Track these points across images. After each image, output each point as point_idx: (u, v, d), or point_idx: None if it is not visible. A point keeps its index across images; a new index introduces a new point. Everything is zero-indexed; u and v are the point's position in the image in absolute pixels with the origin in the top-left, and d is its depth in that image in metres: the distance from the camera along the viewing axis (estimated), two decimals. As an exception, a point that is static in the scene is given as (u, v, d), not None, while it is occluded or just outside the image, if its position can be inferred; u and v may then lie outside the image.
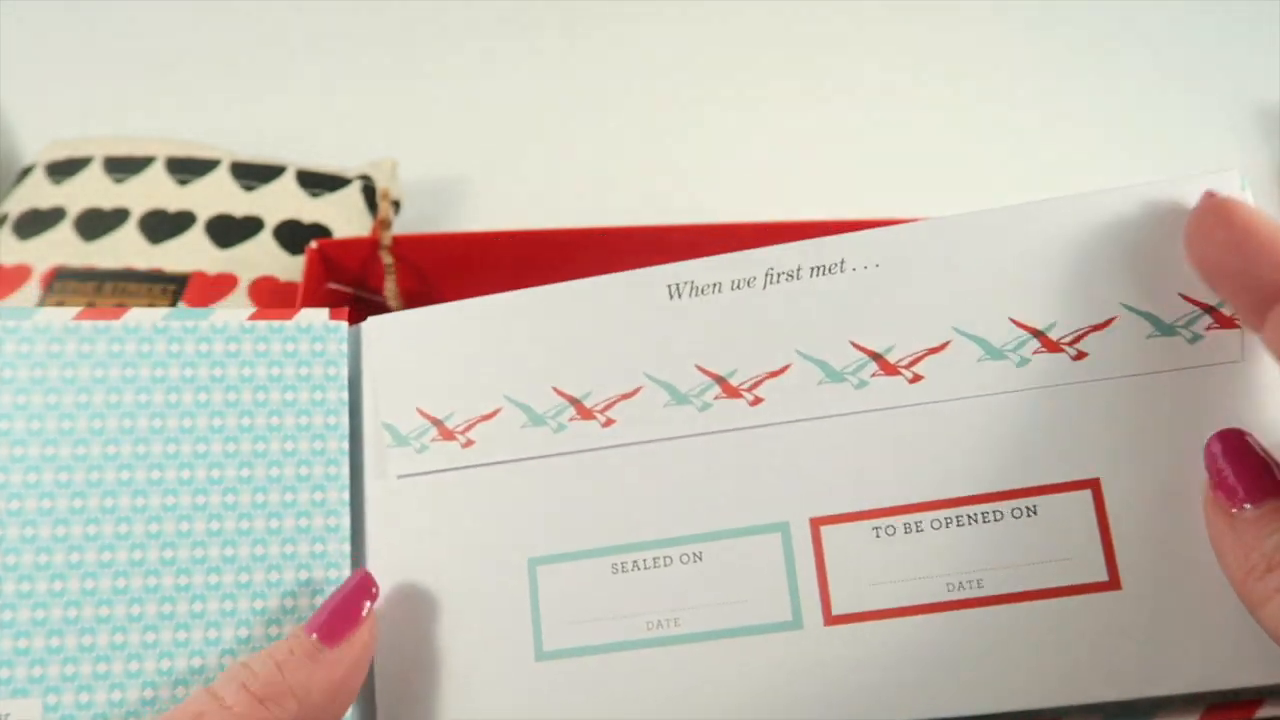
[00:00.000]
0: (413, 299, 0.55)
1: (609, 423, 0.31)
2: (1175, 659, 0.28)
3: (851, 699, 0.29)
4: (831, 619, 0.29)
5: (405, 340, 0.33)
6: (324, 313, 0.34)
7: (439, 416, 0.32)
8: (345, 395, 0.33)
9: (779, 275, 0.31)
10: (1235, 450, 0.27)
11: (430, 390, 0.33)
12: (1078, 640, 0.28)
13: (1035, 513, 0.29)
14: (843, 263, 0.31)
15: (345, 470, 0.32)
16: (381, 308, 0.55)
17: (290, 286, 0.59)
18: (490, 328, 0.33)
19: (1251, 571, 0.26)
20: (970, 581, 0.29)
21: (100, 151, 0.64)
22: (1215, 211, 0.28)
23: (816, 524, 0.30)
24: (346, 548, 0.32)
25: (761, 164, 0.73)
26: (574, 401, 0.31)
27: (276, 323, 0.33)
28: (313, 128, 0.75)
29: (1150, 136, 0.74)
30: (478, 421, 0.32)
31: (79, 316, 0.32)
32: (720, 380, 0.31)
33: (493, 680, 0.30)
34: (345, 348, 0.33)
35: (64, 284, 0.58)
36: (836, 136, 0.75)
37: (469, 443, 0.32)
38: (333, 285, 0.54)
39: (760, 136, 0.75)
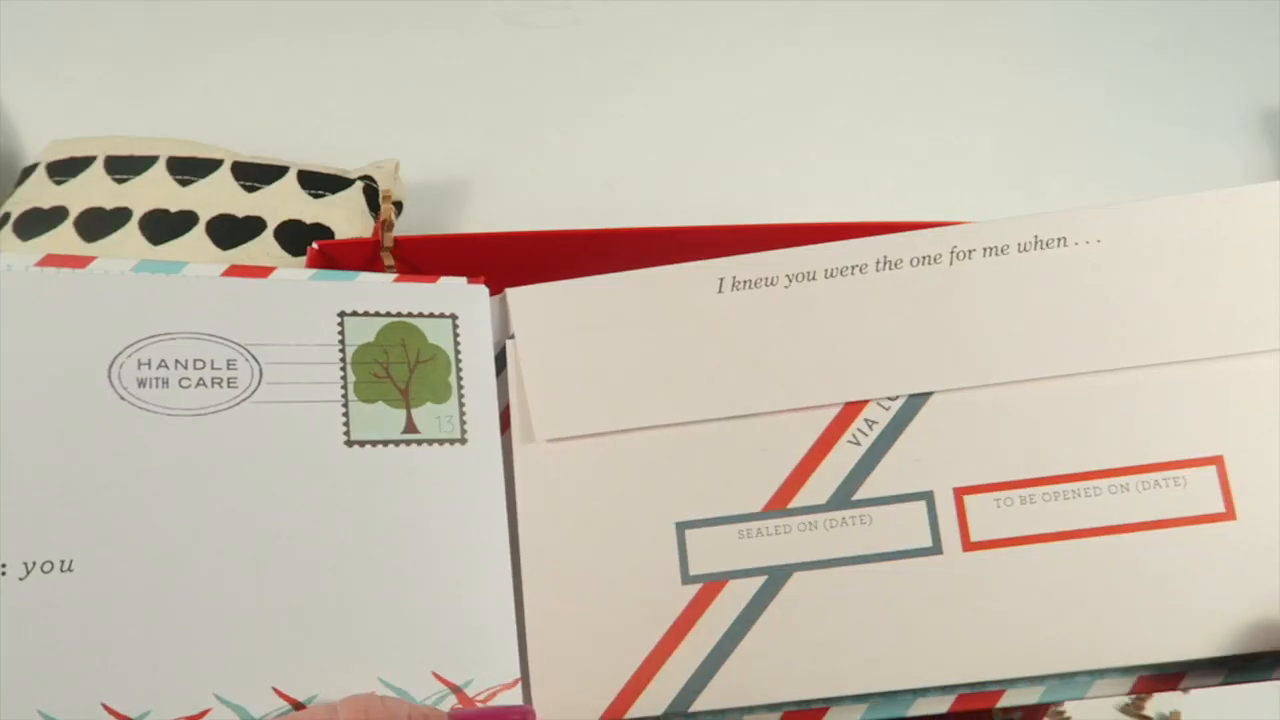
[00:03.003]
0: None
1: None
2: None
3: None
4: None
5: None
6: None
7: None
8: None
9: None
10: None
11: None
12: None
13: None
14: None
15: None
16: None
17: (292, 287, 0.58)
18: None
19: None
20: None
21: (102, 151, 0.64)
22: None
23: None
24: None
25: (766, 166, 0.73)
26: None
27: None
28: (315, 128, 0.75)
29: (1153, 139, 0.74)
30: None
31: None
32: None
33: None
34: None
35: (65, 284, 0.58)
36: (846, 139, 0.75)
37: None
38: (334, 286, 0.54)
39: (764, 139, 0.75)
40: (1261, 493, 0.31)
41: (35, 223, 0.61)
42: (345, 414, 0.32)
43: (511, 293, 0.35)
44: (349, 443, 0.32)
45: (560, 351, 0.34)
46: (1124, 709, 0.55)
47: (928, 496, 0.32)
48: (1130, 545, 0.31)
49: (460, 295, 0.35)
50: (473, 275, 0.36)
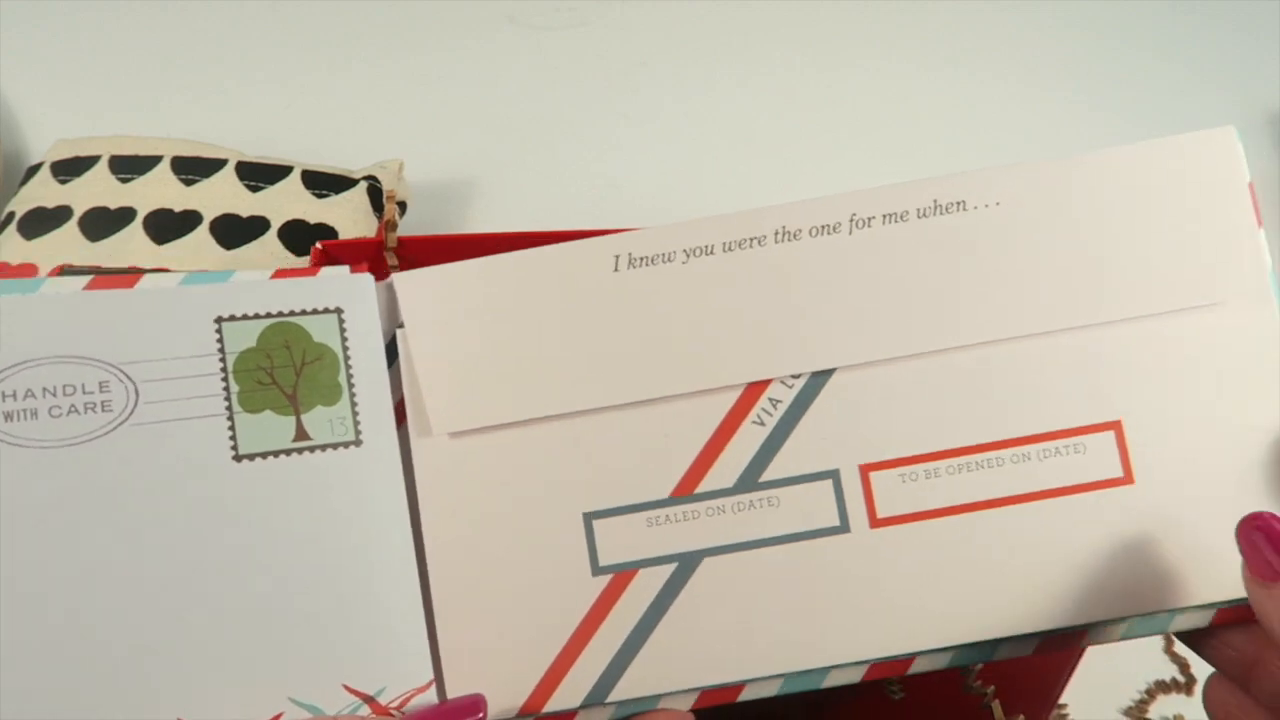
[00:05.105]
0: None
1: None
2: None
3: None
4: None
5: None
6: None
7: None
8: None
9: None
10: (1267, 533, 0.29)
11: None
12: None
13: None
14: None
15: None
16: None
17: (296, 287, 0.59)
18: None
19: None
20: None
21: (106, 150, 0.64)
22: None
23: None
24: None
25: (772, 167, 0.73)
26: None
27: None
28: (319, 128, 0.75)
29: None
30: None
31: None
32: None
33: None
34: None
35: (69, 283, 0.58)
36: (852, 141, 0.75)
37: None
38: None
39: (770, 140, 0.75)
40: (1159, 455, 0.32)
41: (39, 222, 0.61)
42: (231, 427, 0.31)
43: (398, 278, 0.34)
44: (237, 457, 0.31)
45: (453, 339, 0.33)
46: (1126, 711, 0.55)
47: (834, 475, 0.32)
48: (1032, 514, 0.32)
49: (344, 287, 0.33)
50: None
